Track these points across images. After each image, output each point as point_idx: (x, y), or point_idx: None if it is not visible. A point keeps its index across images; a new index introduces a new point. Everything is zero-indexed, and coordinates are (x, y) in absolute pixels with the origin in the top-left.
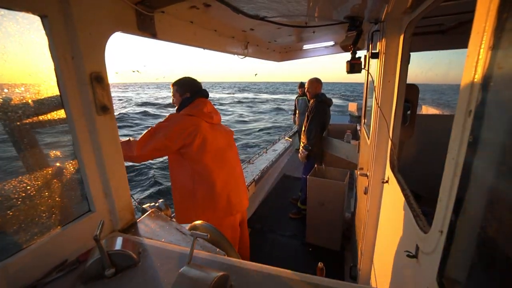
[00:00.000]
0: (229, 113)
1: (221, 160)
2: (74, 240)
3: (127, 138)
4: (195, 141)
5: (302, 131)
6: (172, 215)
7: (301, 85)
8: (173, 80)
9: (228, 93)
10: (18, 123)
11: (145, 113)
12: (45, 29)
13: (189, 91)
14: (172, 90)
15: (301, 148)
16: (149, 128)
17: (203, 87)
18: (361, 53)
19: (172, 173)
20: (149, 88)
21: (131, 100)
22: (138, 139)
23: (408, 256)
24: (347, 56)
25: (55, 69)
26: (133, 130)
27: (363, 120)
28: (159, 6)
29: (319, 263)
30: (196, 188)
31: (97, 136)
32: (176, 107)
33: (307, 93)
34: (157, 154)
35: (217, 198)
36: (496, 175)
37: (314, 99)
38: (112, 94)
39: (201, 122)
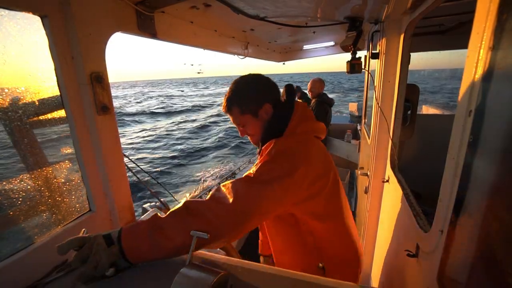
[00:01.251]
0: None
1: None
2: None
3: None
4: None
5: None
6: None
7: (297, 89)
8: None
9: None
10: (19, 123)
11: None
12: (45, 29)
13: (269, 97)
14: (240, 117)
15: None
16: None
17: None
18: (361, 54)
19: None
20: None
21: None
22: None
23: (409, 256)
24: (347, 56)
25: (55, 69)
26: None
27: (363, 120)
28: (159, 6)
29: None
30: None
31: (97, 136)
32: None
33: (310, 92)
34: None
35: None
36: (496, 174)
37: (315, 99)
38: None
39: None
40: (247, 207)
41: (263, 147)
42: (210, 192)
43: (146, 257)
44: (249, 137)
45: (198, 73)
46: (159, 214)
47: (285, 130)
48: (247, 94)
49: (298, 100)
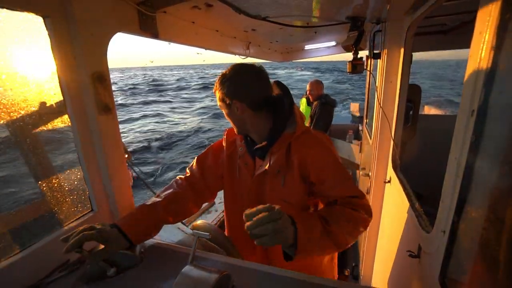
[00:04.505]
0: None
1: None
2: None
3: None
4: None
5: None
6: None
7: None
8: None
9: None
10: (21, 123)
11: None
12: (47, 29)
13: (267, 96)
14: (226, 102)
15: None
16: (348, 184)
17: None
18: (362, 53)
19: None
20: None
21: None
22: (366, 212)
23: (410, 256)
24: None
25: (57, 69)
26: None
27: (365, 120)
28: (161, 6)
29: (346, 270)
30: None
31: (99, 136)
32: (265, 130)
33: (310, 95)
34: None
35: None
36: (498, 175)
37: (318, 101)
38: None
39: None
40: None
41: (286, 145)
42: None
43: (311, 252)
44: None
45: (198, 54)
46: None
47: (297, 127)
48: (249, 83)
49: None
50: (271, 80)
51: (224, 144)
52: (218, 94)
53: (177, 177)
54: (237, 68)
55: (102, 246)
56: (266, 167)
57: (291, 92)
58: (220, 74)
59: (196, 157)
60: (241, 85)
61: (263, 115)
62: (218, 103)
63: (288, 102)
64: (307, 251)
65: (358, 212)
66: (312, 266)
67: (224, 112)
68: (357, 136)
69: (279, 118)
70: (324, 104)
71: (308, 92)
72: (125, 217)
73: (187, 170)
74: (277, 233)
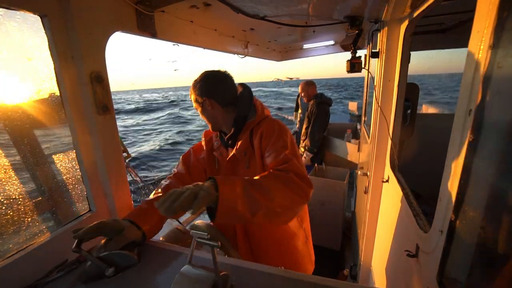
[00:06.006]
0: None
1: None
2: (74, 240)
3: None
4: None
5: (303, 133)
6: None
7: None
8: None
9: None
10: (19, 122)
11: None
12: (45, 28)
13: (233, 93)
14: (199, 101)
15: (305, 151)
16: (283, 152)
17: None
18: (361, 52)
19: None
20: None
21: None
22: (296, 174)
23: (408, 256)
24: (347, 55)
25: (55, 69)
26: None
27: (363, 119)
28: (159, 6)
29: (345, 270)
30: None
31: (97, 135)
32: (231, 121)
33: (304, 97)
34: None
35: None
36: (496, 174)
37: (314, 100)
38: None
39: None
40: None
41: (249, 131)
42: (277, 172)
43: (237, 209)
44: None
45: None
46: None
47: (256, 117)
48: (215, 84)
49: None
50: (237, 83)
51: (203, 143)
52: (192, 97)
53: (167, 176)
54: (206, 73)
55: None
56: (234, 151)
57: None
58: (193, 81)
59: (181, 157)
60: (210, 85)
61: (230, 110)
62: (194, 104)
63: (249, 97)
64: (230, 201)
65: (287, 173)
66: (288, 252)
67: (198, 111)
68: (356, 135)
69: (242, 110)
70: (320, 104)
71: (300, 94)
72: (133, 212)
73: (174, 169)
74: (190, 194)
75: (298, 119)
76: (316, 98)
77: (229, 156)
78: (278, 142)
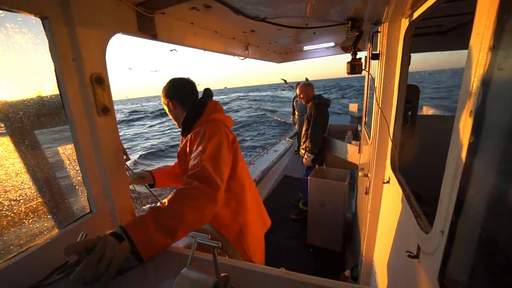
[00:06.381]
0: None
1: (247, 173)
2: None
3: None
4: (236, 153)
5: (303, 135)
6: None
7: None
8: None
9: None
10: (19, 124)
11: None
12: (45, 30)
13: (190, 96)
14: (165, 103)
15: (306, 152)
16: (198, 157)
17: None
18: (361, 54)
19: None
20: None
21: None
22: (201, 181)
23: (410, 257)
24: (347, 57)
25: (56, 71)
26: None
27: (363, 121)
28: (160, 7)
29: (346, 271)
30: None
31: (98, 137)
32: (182, 120)
33: (301, 99)
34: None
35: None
36: (497, 175)
37: (312, 102)
38: None
39: (228, 129)
40: (219, 175)
41: (192, 131)
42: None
43: (156, 242)
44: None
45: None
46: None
47: (201, 118)
48: (177, 87)
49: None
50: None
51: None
52: (161, 100)
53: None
54: (171, 80)
55: None
56: (178, 149)
57: None
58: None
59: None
60: (172, 88)
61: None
62: (164, 107)
63: (201, 101)
64: (146, 241)
65: (193, 183)
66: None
67: (166, 111)
68: (356, 137)
69: (189, 112)
70: (318, 105)
71: (298, 96)
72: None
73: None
74: (112, 260)
75: (298, 123)
76: (314, 99)
77: (177, 152)
78: (199, 146)
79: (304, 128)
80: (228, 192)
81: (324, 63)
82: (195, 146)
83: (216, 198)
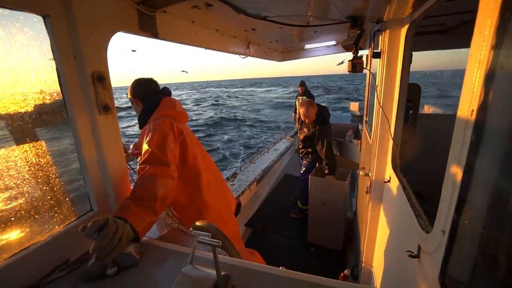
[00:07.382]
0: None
1: (205, 159)
2: (76, 240)
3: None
4: (184, 143)
5: (304, 150)
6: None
7: (302, 83)
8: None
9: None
10: (21, 122)
11: None
12: (47, 29)
13: (149, 94)
14: (130, 99)
15: (327, 174)
16: (147, 145)
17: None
18: (362, 53)
19: None
20: None
21: None
22: (152, 165)
23: (410, 256)
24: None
25: (57, 69)
26: None
27: (364, 120)
28: (161, 6)
29: (346, 270)
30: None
31: (99, 135)
32: (140, 116)
33: (305, 120)
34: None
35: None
36: (498, 174)
37: (313, 124)
38: None
39: (178, 123)
40: (165, 156)
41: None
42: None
43: (144, 220)
44: None
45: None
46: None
47: (154, 114)
48: (137, 86)
49: (301, 94)
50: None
51: None
52: (128, 97)
53: None
54: (136, 80)
55: None
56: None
57: None
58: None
59: None
60: (136, 88)
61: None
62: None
63: (159, 100)
64: (142, 223)
65: (146, 167)
66: (183, 220)
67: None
68: (357, 136)
69: (143, 109)
70: (321, 125)
71: (303, 117)
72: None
73: None
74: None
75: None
76: (317, 123)
77: (137, 143)
78: (146, 138)
79: (301, 145)
80: (182, 178)
81: (318, 60)
82: (145, 137)
83: (170, 173)
